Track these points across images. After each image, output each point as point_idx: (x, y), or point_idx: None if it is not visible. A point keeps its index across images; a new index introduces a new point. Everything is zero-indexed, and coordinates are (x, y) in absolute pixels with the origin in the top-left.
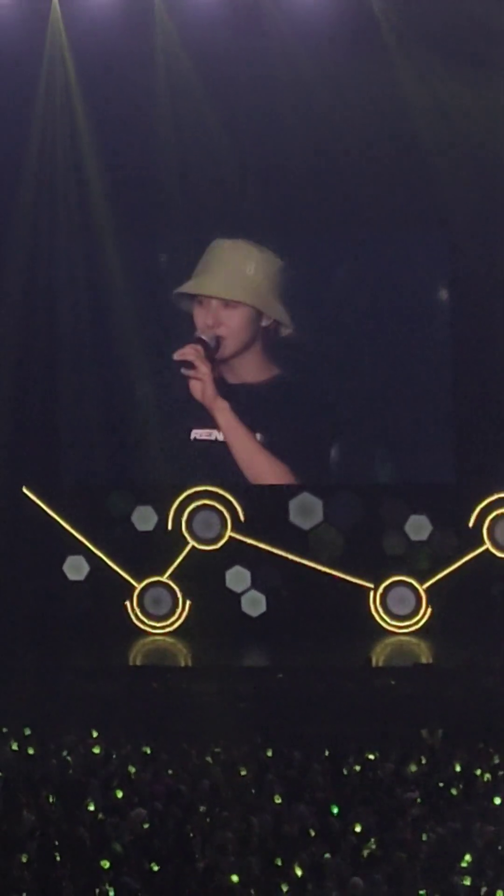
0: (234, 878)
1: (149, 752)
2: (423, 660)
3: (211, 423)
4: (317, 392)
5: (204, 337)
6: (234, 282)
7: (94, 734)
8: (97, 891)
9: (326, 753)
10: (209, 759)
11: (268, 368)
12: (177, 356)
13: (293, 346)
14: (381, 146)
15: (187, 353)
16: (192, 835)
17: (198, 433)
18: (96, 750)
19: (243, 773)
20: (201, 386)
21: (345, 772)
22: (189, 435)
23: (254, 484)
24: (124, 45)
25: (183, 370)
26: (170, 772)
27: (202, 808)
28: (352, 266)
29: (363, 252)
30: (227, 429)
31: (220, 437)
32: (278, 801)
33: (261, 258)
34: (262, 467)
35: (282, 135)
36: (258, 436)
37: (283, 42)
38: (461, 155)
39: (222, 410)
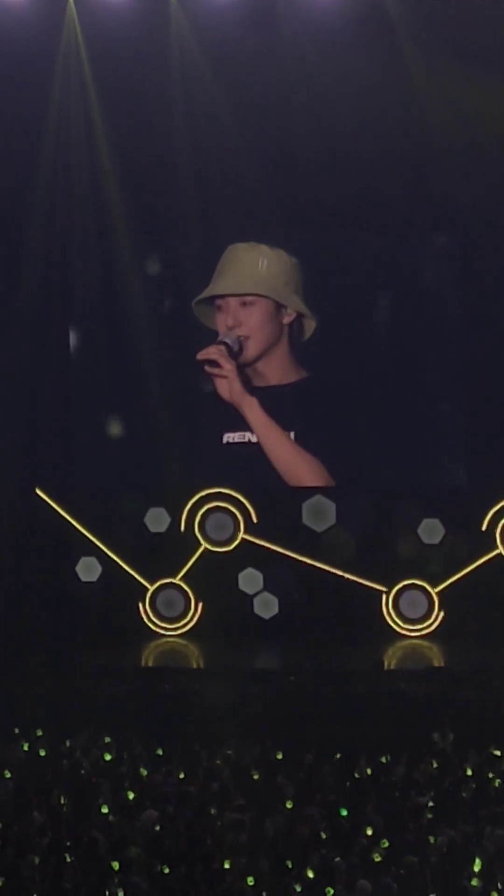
0: (248, 880)
1: (160, 753)
2: (435, 663)
3: (241, 426)
4: (336, 394)
5: (226, 340)
6: (247, 278)
7: (107, 740)
8: (107, 892)
9: (338, 756)
10: (220, 761)
11: (295, 371)
12: (200, 356)
13: (319, 347)
14: (393, 147)
15: (210, 351)
16: (203, 837)
17: (230, 436)
18: (107, 757)
19: (254, 775)
20: (228, 384)
21: (356, 775)
22: (208, 436)
23: (269, 486)
24: (139, 45)
25: (207, 368)
26: (181, 774)
27: (213, 811)
28: (361, 269)
29: (374, 254)
30: (257, 426)
31: (254, 439)
32: (289, 803)
33: (273, 255)
34: (298, 465)
35: (293, 135)
36: (292, 435)
37: (297, 43)
38: (473, 155)
39: (252, 406)
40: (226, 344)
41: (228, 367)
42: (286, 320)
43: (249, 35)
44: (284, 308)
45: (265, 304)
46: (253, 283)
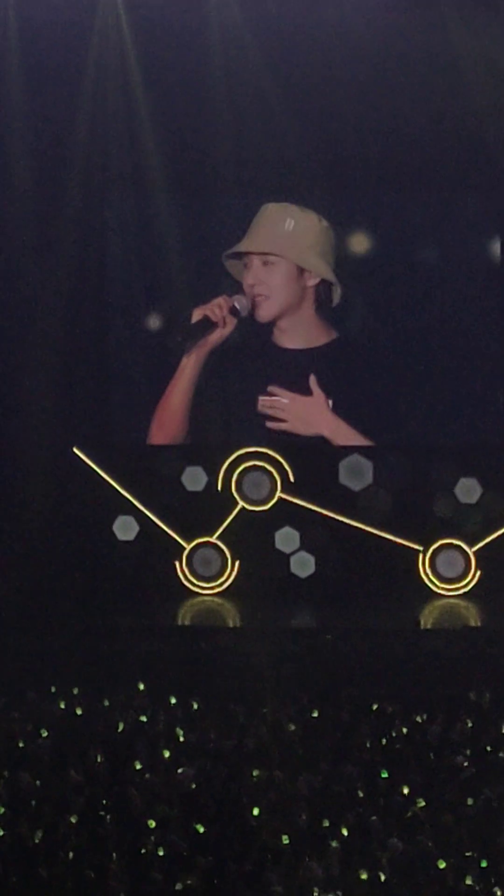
0: (284, 838)
1: (196, 711)
2: (472, 622)
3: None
4: (371, 355)
5: (236, 304)
6: (270, 237)
7: (143, 698)
8: (143, 850)
9: (374, 713)
10: (256, 719)
11: (325, 332)
12: (204, 309)
13: (354, 307)
14: (433, 108)
15: (219, 303)
16: (238, 795)
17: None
18: (143, 715)
19: (290, 732)
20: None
21: (392, 734)
22: (242, 396)
23: (302, 445)
24: (179, 3)
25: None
26: (217, 732)
27: (249, 769)
28: (404, 228)
29: (411, 214)
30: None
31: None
32: (325, 761)
33: (301, 216)
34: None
35: (333, 97)
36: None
37: (337, 4)
38: None
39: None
40: (233, 305)
41: (228, 323)
42: (310, 283)
43: None
44: (308, 270)
45: (286, 265)
46: (274, 243)
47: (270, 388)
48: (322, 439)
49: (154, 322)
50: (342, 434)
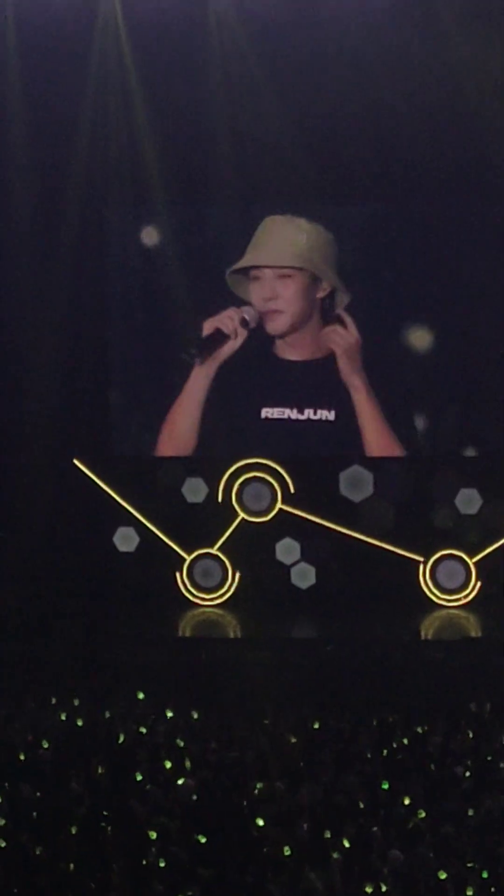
0: (285, 849)
1: (197, 722)
2: (473, 633)
3: (283, 402)
4: (372, 366)
5: (246, 316)
6: (286, 250)
7: (141, 695)
8: (145, 861)
9: (374, 725)
10: (257, 730)
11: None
12: (216, 321)
13: (355, 319)
14: (433, 116)
15: (229, 315)
16: (239, 806)
17: (269, 412)
18: (143, 729)
19: (292, 743)
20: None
21: (393, 744)
22: (245, 408)
23: (307, 456)
24: (177, 14)
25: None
26: (217, 743)
27: (250, 780)
28: (404, 238)
29: (416, 223)
30: (191, 387)
31: (293, 415)
32: (326, 772)
33: (311, 229)
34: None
35: (332, 106)
36: (332, 413)
37: (337, 13)
38: None
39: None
40: (243, 318)
41: (239, 335)
42: (320, 294)
43: (289, 4)
44: (319, 282)
45: (302, 278)
46: (292, 256)
47: (341, 313)
48: (323, 452)
49: (155, 334)
50: (366, 397)
